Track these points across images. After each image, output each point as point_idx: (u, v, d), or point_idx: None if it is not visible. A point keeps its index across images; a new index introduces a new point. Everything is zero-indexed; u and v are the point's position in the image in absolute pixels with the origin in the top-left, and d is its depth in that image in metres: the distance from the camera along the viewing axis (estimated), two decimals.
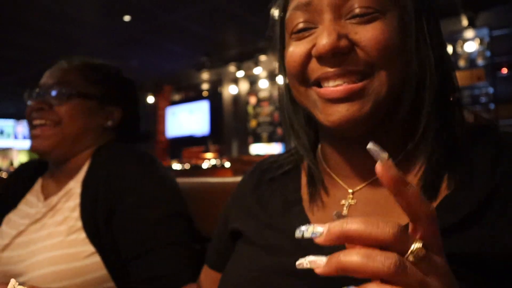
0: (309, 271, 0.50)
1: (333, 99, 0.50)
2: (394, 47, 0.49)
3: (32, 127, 0.99)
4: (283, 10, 0.58)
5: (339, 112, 0.50)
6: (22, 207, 1.00)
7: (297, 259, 0.52)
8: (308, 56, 0.52)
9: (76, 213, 0.90)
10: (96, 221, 0.88)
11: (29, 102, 1.00)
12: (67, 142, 0.98)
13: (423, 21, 0.52)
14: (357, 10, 0.49)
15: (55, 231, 0.88)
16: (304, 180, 0.64)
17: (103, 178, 0.92)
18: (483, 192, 0.47)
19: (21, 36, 6.04)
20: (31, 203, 1.01)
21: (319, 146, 0.65)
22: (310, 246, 0.53)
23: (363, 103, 0.50)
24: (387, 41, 0.48)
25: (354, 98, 0.50)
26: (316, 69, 0.52)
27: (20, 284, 0.48)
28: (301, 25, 0.53)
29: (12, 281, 0.48)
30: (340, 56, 0.50)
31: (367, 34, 0.49)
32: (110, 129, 1.06)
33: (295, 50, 0.53)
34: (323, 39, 0.49)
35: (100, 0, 4.96)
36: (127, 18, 5.54)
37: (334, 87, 0.50)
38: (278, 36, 0.62)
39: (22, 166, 1.16)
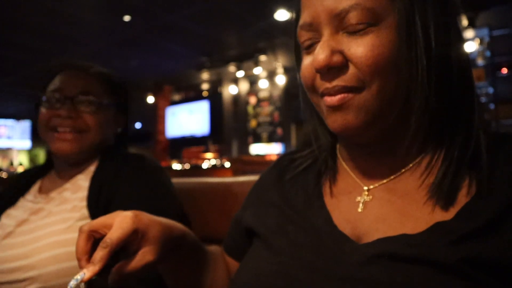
0: (329, 267, 0.51)
1: (332, 106, 0.54)
2: (386, 61, 0.50)
3: (55, 131, 1.03)
4: (296, 21, 0.60)
5: (338, 120, 0.54)
6: (21, 203, 1.05)
7: (318, 255, 0.53)
8: (314, 71, 0.55)
9: (84, 203, 0.96)
10: (98, 212, 0.93)
11: (47, 106, 1.04)
12: (92, 147, 1.06)
13: (417, 25, 0.51)
14: (350, 27, 0.51)
15: (65, 217, 0.93)
16: (323, 175, 0.66)
17: (109, 177, 0.99)
18: (505, 199, 0.48)
19: (21, 36, 6.04)
20: (29, 200, 1.06)
21: (338, 145, 0.67)
22: (331, 242, 0.54)
23: (357, 113, 0.52)
24: (378, 56, 0.50)
25: (348, 108, 0.53)
26: (320, 84, 0.55)
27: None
28: (307, 42, 0.56)
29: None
30: (336, 71, 0.52)
31: (358, 51, 0.51)
32: (115, 135, 1.15)
33: (305, 64, 0.57)
34: (318, 55, 0.52)
35: (100, 0, 4.96)
36: (127, 18, 5.54)
37: (332, 96, 0.54)
38: (294, 46, 0.64)
39: (24, 172, 1.23)
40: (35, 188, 1.10)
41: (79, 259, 0.52)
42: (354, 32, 0.51)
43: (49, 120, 1.03)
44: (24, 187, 1.10)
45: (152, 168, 1.04)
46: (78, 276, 0.50)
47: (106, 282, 0.52)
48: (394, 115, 0.53)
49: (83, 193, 0.99)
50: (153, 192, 0.99)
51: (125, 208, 0.63)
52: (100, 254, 0.51)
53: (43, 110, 1.04)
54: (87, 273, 0.50)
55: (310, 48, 0.56)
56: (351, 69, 0.52)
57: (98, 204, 0.95)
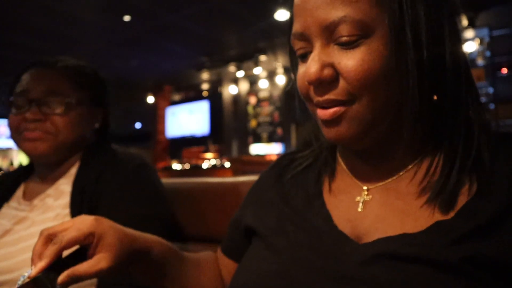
0: (330, 267, 0.51)
1: (324, 121, 0.54)
2: (376, 75, 0.50)
3: (23, 134, 0.96)
4: (290, 26, 0.59)
5: (332, 132, 0.54)
6: (4, 211, 1.00)
7: (318, 255, 0.54)
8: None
9: (67, 211, 0.91)
10: None
11: (15, 111, 0.97)
12: (63, 148, 0.99)
13: (408, 36, 0.50)
14: (341, 39, 0.51)
15: (48, 227, 0.88)
16: (323, 174, 0.66)
17: (91, 179, 0.94)
18: (505, 198, 0.48)
19: (21, 36, 6.04)
20: (13, 207, 1.00)
21: (337, 147, 0.67)
22: (331, 242, 0.55)
23: (349, 125, 0.53)
24: (367, 71, 0.50)
25: (341, 120, 0.53)
26: (313, 96, 0.56)
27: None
28: (301, 51, 0.56)
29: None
30: (326, 85, 0.53)
31: (348, 65, 0.50)
32: (95, 131, 1.08)
33: (299, 74, 0.57)
34: (309, 69, 0.52)
35: (100, 0, 4.96)
36: (127, 18, 5.54)
37: (324, 110, 0.54)
38: (289, 53, 0.64)
39: (4, 175, 1.16)
40: (19, 193, 1.04)
41: (32, 260, 0.53)
42: (345, 44, 0.51)
43: (19, 126, 0.96)
44: (8, 192, 1.04)
45: (136, 168, 0.98)
46: (26, 273, 0.51)
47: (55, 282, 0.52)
48: (386, 124, 0.54)
49: (65, 199, 0.94)
50: (137, 196, 0.94)
51: (109, 216, 0.62)
52: (48, 250, 0.52)
53: (11, 114, 0.97)
54: (34, 269, 0.51)
55: (304, 57, 0.56)
56: (341, 83, 0.52)
57: (81, 211, 0.89)
